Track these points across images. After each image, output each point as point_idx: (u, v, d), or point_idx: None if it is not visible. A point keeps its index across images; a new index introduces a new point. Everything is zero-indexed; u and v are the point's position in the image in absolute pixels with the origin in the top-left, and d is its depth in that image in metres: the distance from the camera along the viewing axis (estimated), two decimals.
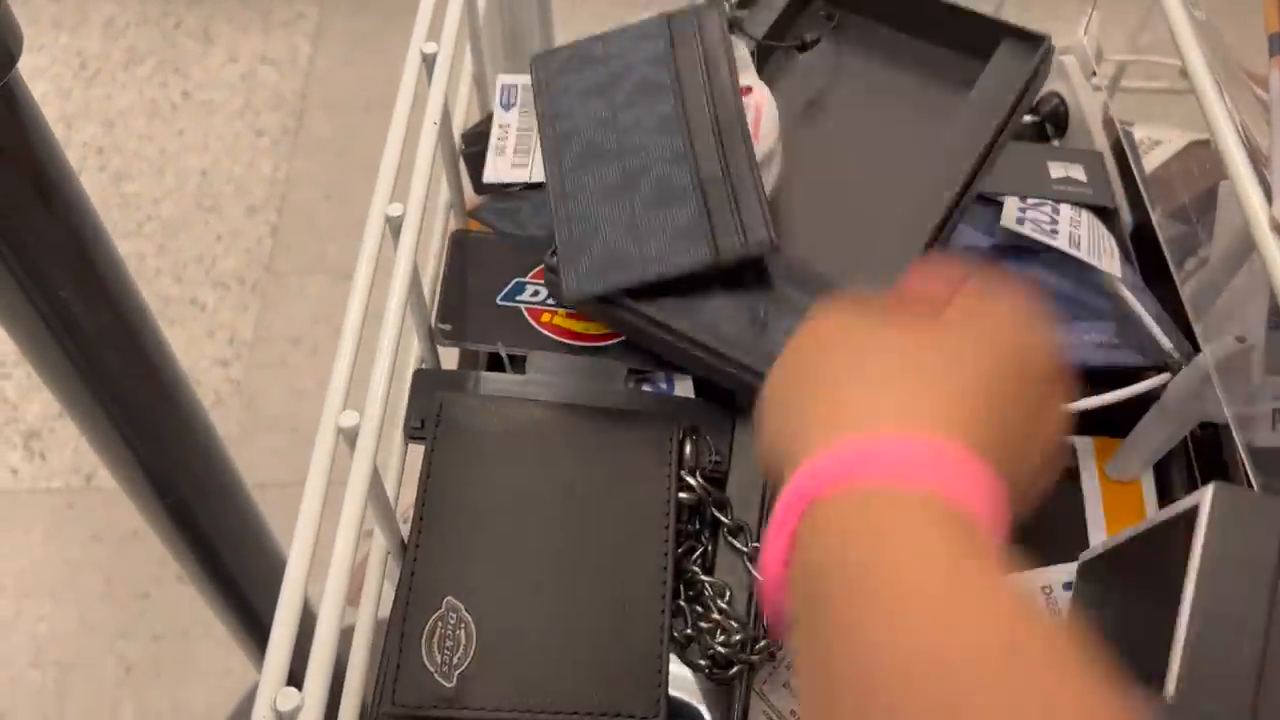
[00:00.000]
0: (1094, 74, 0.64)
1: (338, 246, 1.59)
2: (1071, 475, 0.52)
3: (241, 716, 1.19)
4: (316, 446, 0.39)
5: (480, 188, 0.63)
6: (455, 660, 0.40)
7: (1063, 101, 0.64)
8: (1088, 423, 0.50)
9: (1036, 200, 0.55)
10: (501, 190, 0.58)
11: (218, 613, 0.90)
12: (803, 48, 0.52)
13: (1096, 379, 0.49)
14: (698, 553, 0.45)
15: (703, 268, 0.44)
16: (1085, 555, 0.46)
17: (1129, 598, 0.40)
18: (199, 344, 1.51)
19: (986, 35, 0.52)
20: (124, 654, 1.26)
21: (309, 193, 1.67)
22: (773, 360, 0.43)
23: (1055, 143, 0.65)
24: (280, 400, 1.46)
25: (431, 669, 0.40)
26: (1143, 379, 0.48)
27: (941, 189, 0.47)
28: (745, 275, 0.46)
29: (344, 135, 1.74)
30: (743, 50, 0.50)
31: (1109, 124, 0.60)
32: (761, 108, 0.47)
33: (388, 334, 0.43)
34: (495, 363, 0.54)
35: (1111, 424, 0.51)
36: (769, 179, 0.47)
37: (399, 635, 0.41)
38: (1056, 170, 0.57)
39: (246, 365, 1.49)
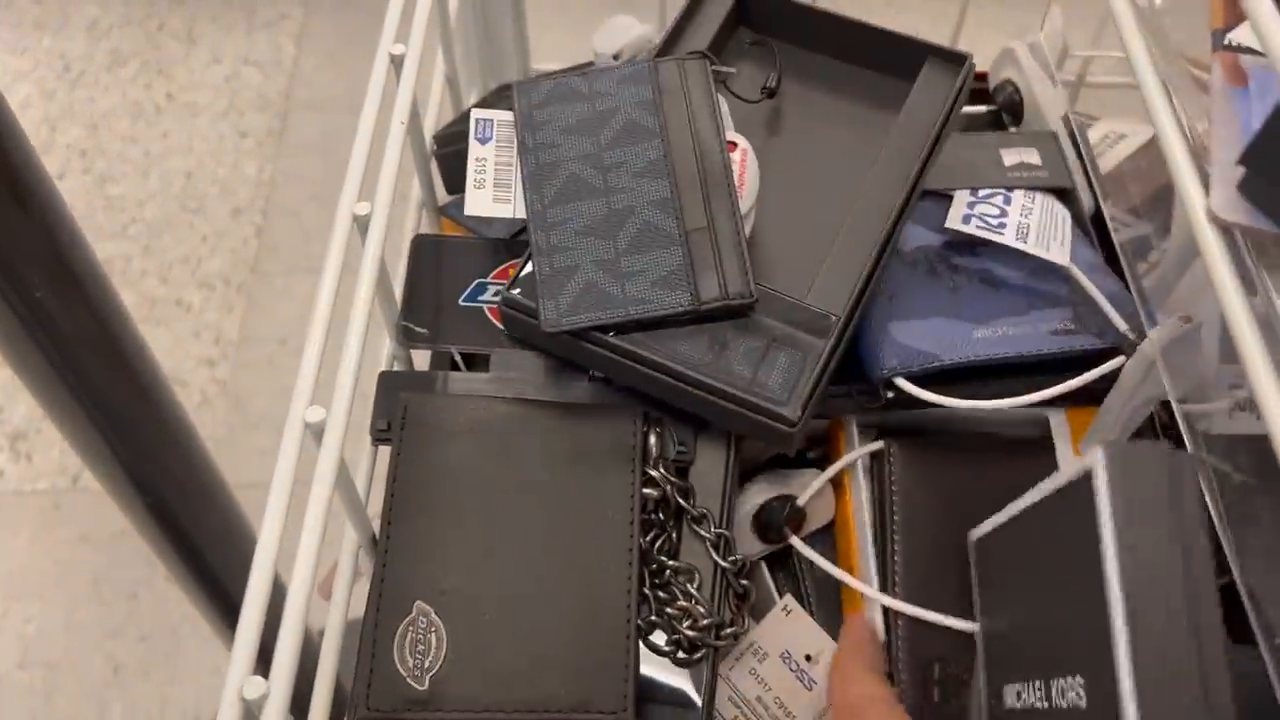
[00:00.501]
0: (1054, 70, 0.64)
1: (323, 247, 1.59)
2: (1046, 449, 0.52)
3: None
4: (284, 441, 0.40)
5: (453, 188, 0.64)
6: (427, 664, 0.41)
7: (1017, 90, 0.63)
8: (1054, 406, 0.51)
9: (988, 191, 0.56)
10: None
11: (203, 612, 0.91)
12: (771, 95, 0.54)
13: (1057, 365, 0.50)
14: (662, 538, 0.46)
15: (681, 314, 0.46)
16: (975, 533, 0.46)
17: (1029, 569, 0.41)
18: (185, 344, 1.52)
19: (910, 56, 0.54)
20: (112, 654, 1.27)
21: (294, 193, 1.68)
22: (732, 377, 0.45)
23: (1011, 130, 0.65)
24: (267, 400, 1.47)
25: (404, 673, 0.41)
26: (1103, 362, 0.49)
27: (881, 210, 0.49)
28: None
29: (329, 136, 1.74)
30: (726, 106, 0.51)
31: (1067, 118, 0.61)
32: (745, 164, 0.49)
33: (354, 329, 0.44)
34: (465, 363, 0.55)
35: (1083, 400, 0.51)
36: (747, 231, 0.49)
37: (371, 641, 0.42)
38: (1010, 157, 0.58)
39: (233, 365, 1.50)
